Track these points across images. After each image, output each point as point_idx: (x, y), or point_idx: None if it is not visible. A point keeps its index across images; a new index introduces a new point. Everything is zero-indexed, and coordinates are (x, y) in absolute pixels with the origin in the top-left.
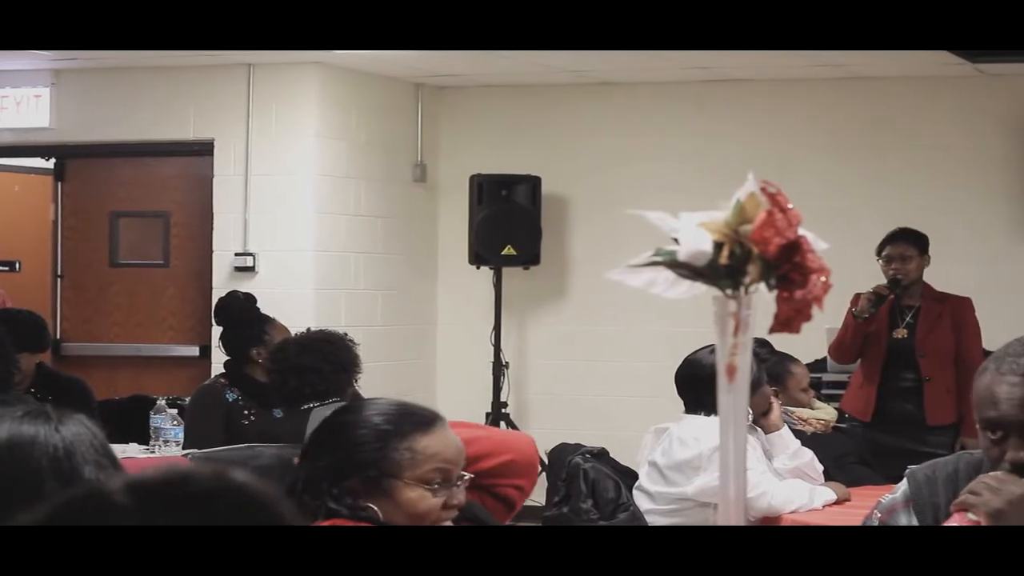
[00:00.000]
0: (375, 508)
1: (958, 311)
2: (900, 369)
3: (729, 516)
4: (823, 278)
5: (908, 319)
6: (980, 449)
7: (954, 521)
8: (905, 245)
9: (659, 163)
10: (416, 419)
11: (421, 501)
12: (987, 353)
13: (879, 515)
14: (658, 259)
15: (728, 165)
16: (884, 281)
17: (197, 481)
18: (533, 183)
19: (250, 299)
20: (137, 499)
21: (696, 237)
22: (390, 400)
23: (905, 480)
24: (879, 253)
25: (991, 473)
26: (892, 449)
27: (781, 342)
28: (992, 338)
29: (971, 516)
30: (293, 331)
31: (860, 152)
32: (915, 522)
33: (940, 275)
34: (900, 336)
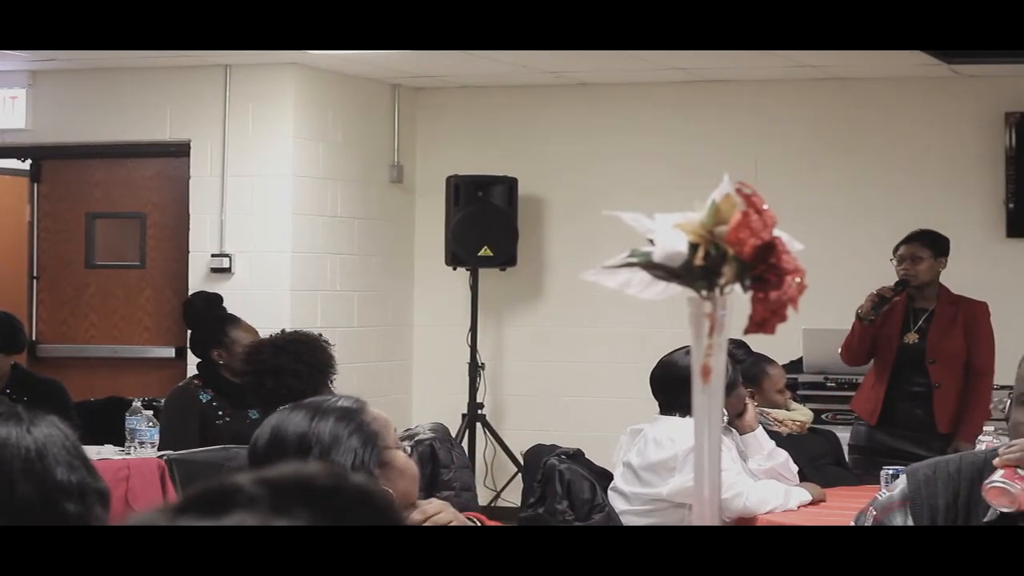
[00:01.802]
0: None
1: (972, 317)
2: (911, 373)
3: (704, 517)
4: (798, 279)
5: (920, 323)
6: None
7: (1004, 476)
8: (918, 246)
9: (636, 164)
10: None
11: (408, 461)
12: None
13: (875, 513)
14: (633, 260)
15: (705, 166)
16: (877, 283)
17: (322, 479)
18: (510, 184)
19: (212, 300)
20: (269, 490)
21: (671, 238)
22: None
23: (904, 478)
24: (894, 253)
25: None
26: (895, 451)
27: (757, 343)
28: None
29: (1022, 472)
30: (269, 332)
31: (837, 153)
32: (911, 523)
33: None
34: (911, 341)
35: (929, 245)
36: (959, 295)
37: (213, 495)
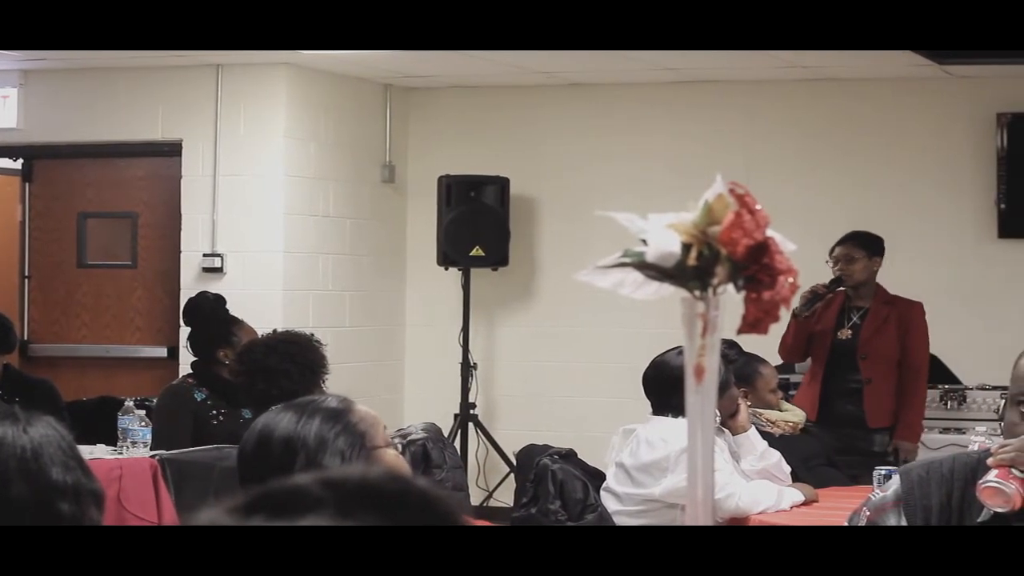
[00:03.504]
0: None
1: (906, 315)
2: (844, 370)
3: (697, 517)
4: (791, 279)
5: (855, 320)
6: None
7: (998, 476)
8: (852, 246)
9: (628, 164)
10: (334, 400)
11: (399, 459)
12: (934, 358)
13: (868, 513)
14: (626, 260)
15: (698, 166)
16: None
17: (384, 482)
18: (501, 184)
19: (219, 300)
20: (333, 493)
21: (664, 238)
22: (298, 401)
23: (897, 479)
24: (830, 254)
25: None
26: (837, 449)
27: (749, 343)
28: (964, 337)
29: (1016, 472)
30: (261, 332)
31: (829, 153)
32: (904, 523)
33: (908, 275)
34: (844, 337)
35: (863, 246)
36: (895, 295)
37: (280, 496)
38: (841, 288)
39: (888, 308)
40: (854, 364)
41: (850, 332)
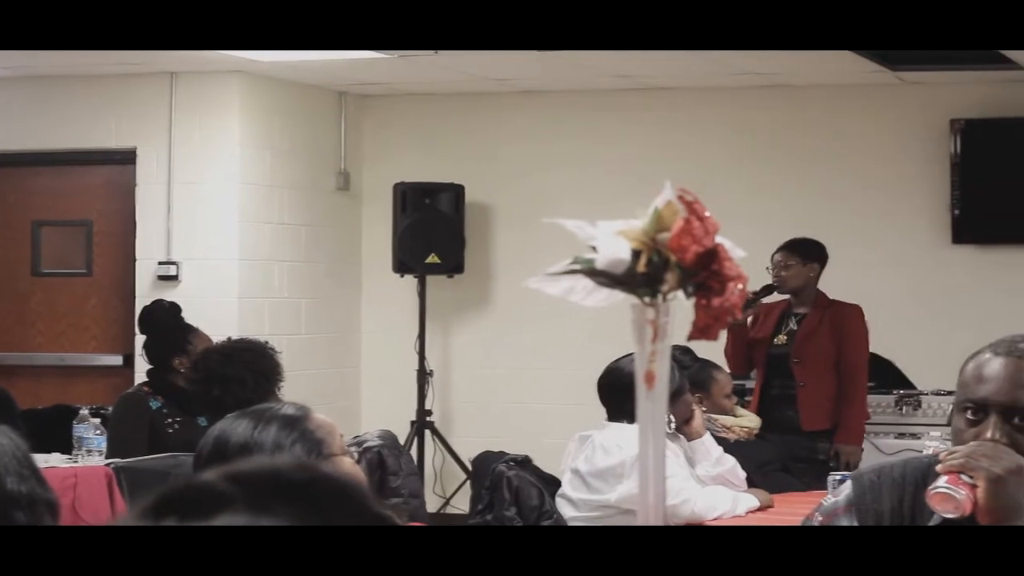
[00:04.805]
0: None
1: (841, 318)
2: (780, 376)
3: (648, 522)
4: (740, 285)
5: (791, 326)
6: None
7: (948, 482)
8: (786, 253)
9: (582, 171)
10: (291, 407)
11: (355, 467)
12: (880, 358)
13: (820, 518)
14: (576, 267)
15: (651, 173)
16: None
17: (292, 472)
18: (456, 191)
19: (174, 308)
20: (242, 488)
21: (614, 245)
22: (255, 408)
23: (849, 483)
24: (771, 259)
25: (981, 441)
26: (782, 456)
27: (703, 349)
28: (919, 342)
29: (965, 478)
30: (216, 340)
31: (782, 160)
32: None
33: (863, 281)
34: (780, 343)
35: (797, 252)
36: (835, 300)
37: (189, 495)
38: (768, 295)
39: (822, 312)
40: (789, 369)
41: (785, 338)
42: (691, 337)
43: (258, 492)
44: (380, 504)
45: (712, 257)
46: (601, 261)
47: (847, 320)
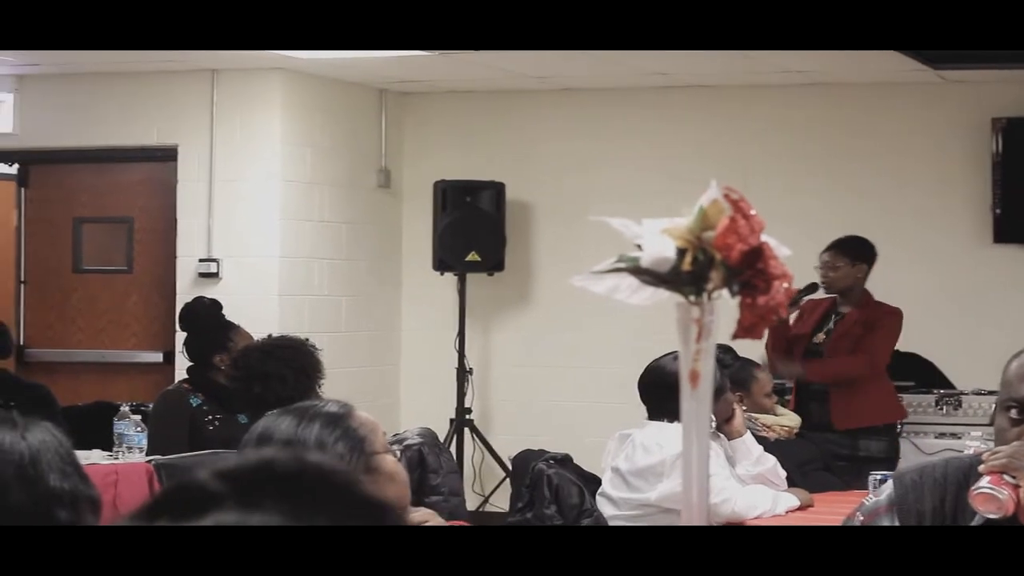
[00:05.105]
0: None
1: (875, 316)
2: None
3: (691, 521)
4: (785, 284)
5: (831, 324)
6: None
7: (991, 482)
8: (834, 254)
9: (622, 169)
10: (334, 405)
11: (397, 465)
12: (920, 358)
13: (862, 517)
14: (621, 265)
15: (692, 171)
16: None
17: (278, 463)
18: (497, 189)
19: (216, 305)
20: (230, 485)
21: (659, 243)
22: (298, 405)
23: (891, 483)
24: (819, 258)
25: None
26: (823, 455)
27: (744, 348)
28: (960, 342)
29: (1008, 478)
30: (257, 337)
31: (823, 158)
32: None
33: (904, 280)
34: (819, 340)
35: (845, 253)
36: (879, 301)
37: (179, 495)
38: (813, 293)
39: (861, 312)
40: None
41: (824, 336)
42: (736, 336)
43: (248, 489)
44: (372, 490)
45: (758, 255)
46: (646, 259)
47: (880, 319)
